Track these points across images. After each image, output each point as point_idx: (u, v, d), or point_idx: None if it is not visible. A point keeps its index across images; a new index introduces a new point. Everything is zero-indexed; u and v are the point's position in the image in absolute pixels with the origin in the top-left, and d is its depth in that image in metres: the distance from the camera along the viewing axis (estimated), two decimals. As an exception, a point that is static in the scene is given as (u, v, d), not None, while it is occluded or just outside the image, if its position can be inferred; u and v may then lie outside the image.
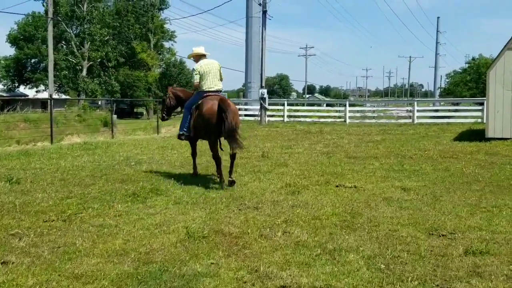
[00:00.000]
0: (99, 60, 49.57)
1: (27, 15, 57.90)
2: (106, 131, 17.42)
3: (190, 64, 64.81)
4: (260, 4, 24.21)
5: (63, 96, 54.83)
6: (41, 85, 57.99)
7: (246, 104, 27.94)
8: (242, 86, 29.81)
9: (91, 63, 49.40)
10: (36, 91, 60.47)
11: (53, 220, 5.83)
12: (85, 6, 46.76)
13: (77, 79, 48.08)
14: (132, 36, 53.18)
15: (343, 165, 10.24)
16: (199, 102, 8.26)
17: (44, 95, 51.27)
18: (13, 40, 62.65)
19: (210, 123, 7.99)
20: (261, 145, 14.19)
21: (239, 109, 27.55)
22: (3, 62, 60.76)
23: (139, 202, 6.81)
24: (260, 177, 8.82)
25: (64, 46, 52.82)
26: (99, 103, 51.19)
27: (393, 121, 25.09)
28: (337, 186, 7.97)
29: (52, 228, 5.51)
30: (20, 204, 6.58)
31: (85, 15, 46.75)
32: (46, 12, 38.85)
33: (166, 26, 58.00)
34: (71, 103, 41.71)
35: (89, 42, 47.98)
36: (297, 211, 6.32)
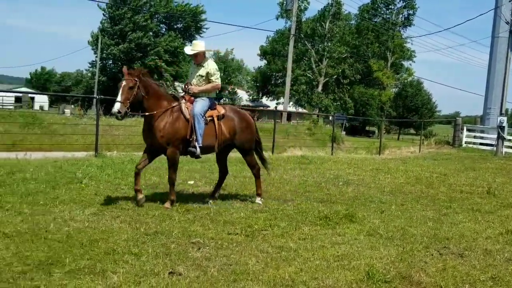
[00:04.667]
0: (335, 76, 50.81)
1: (276, 32, 62.83)
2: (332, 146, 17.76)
3: (427, 85, 61.97)
4: (507, 23, 21.39)
5: (300, 110, 57.70)
6: (281, 97, 62.09)
7: (482, 131, 25.01)
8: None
9: (327, 79, 50.93)
10: (277, 103, 65.17)
11: (237, 233, 5.75)
12: (327, 24, 48.41)
13: (312, 94, 50.07)
14: (369, 54, 53.21)
15: None
16: (227, 113, 7.37)
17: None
18: (263, 53, 68.91)
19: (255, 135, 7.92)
20: (490, 179, 12.33)
21: (474, 137, 24.94)
22: (252, 74, 67.27)
23: (329, 227, 6.34)
24: (477, 218, 7.52)
25: (305, 62, 55.56)
26: (330, 118, 52.53)
27: None
28: None
29: (232, 242, 5.41)
30: (214, 212, 6.72)
31: (326, 33, 48.44)
32: (290, 29, 41.34)
33: (407, 45, 56.48)
34: (307, 116, 43.49)
35: (327, 59, 49.54)
36: (514, 268, 5.08)
